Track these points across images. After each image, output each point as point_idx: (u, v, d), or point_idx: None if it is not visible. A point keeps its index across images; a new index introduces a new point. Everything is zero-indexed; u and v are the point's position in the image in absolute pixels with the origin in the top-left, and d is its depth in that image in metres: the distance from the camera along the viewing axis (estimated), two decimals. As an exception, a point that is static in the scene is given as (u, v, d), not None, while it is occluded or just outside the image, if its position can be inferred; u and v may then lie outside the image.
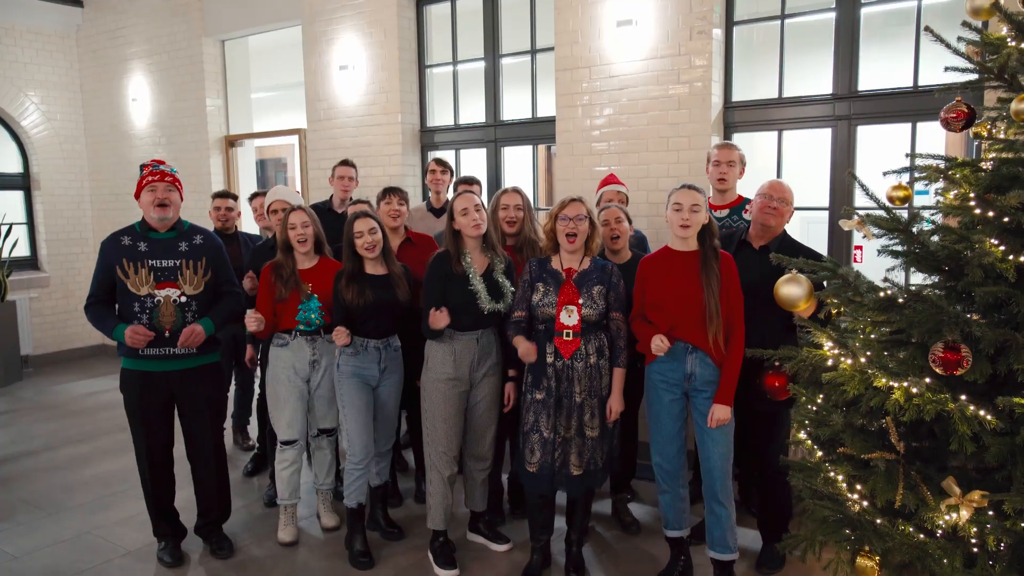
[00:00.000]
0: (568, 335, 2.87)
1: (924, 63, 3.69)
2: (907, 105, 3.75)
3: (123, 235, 3.11)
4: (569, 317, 2.86)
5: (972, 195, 2.17)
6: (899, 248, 2.30)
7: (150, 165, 3.13)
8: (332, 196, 4.52)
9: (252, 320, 3.17)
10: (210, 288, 3.17)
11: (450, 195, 4.59)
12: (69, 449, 4.83)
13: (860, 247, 4.01)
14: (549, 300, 2.90)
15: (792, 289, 2.44)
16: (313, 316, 3.26)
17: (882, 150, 4.07)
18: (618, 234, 3.28)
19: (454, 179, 4.62)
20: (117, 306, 3.11)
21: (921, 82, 3.72)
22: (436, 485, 3.12)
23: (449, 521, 3.20)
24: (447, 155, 5.54)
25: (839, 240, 3.97)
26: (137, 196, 3.11)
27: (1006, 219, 2.09)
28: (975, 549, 1.97)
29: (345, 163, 4.47)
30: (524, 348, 2.88)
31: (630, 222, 3.39)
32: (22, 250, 7.28)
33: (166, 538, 3.31)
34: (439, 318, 2.95)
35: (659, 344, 2.75)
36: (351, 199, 4.48)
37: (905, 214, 2.32)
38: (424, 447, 3.15)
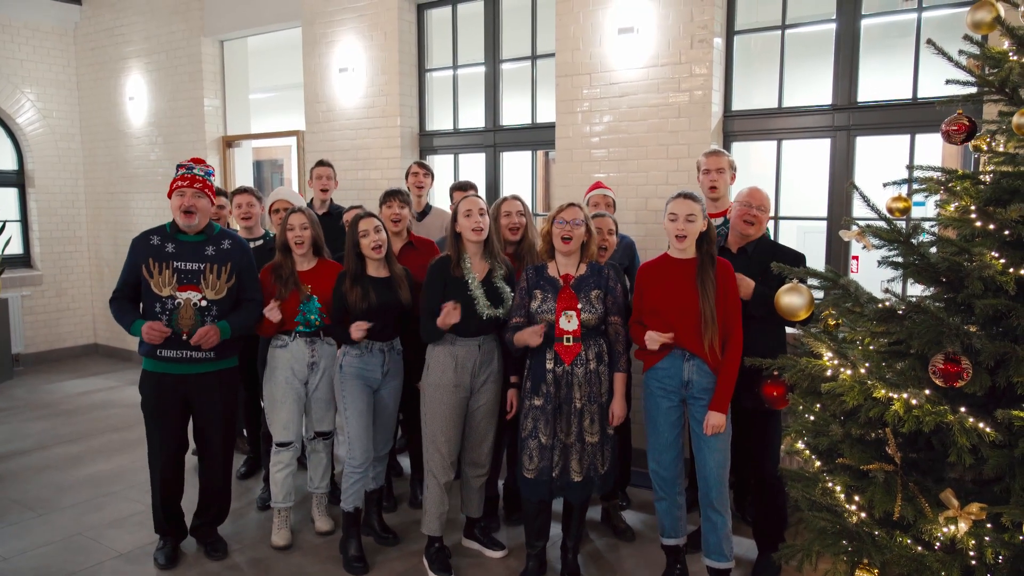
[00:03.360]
0: (568, 340, 2.87)
1: (923, 75, 3.72)
2: (906, 117, 3.77)
3: (153, 234, 3.10)
4: (568, 322, 2.86)
5: (973, 208, 2.18)
6: (899, 259, 2.31)
7: (185, 166, 3.10)
8: (312, 198, 4.50)
9: (274, 312, 3.20)
10: (232, 294, 3.15)
11: (432, 200, 4.59)
12: (60, 449, 4.79)
13: (856, 257, 4.03)
14: (548, 306, 2.90)
15: (793, 299, 2.45)
16: (313, 317, 3.25)
17: (880, 161, 4.09)
18: (606, 246, 3.29)
19: (450, 185, 4.61)
20: (141, 305, 3.11)
21: (920, 94, 3.75)
22: (432, 491, 3.11)
23: (445, 527, 3.19)
24: (446, 159, 5.54)
25: (836, 250, 3.99)
26: (169, 195, 3.10)
27: (1007, 232, 2.10)
28: (973, 562, 1.97)
29: (321, 163, 4.44)
30: (530, 330, 2.86)
31: (616, 230, 3.42)
32: (15, 248, 7.23)
33: (167, 537, 3.29)
34: (452, 314, 2.93)
35: (654, 337, 2.75)
36: (332, 202, 4.46)
37: (904, 225, 2.33)
38: (424, 452, 3.14)
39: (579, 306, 2.87)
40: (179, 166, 3.12)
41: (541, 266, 3.00)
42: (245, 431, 4.48)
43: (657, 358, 2.87)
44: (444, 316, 2.93)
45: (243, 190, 4.14)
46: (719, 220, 3.62)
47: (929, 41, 2.31)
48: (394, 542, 3.44)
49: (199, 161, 3.14)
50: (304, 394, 3.38)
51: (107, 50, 7.13)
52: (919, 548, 2.07)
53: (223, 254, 3.13)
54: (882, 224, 2.32)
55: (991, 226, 2.13)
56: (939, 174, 2.36)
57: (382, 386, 3.25)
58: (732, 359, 2.79)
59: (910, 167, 2.45)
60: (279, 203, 3.83)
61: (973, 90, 2.34)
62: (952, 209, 2.30)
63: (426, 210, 4.48)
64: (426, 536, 3.18)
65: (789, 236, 4.69)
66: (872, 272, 2.81)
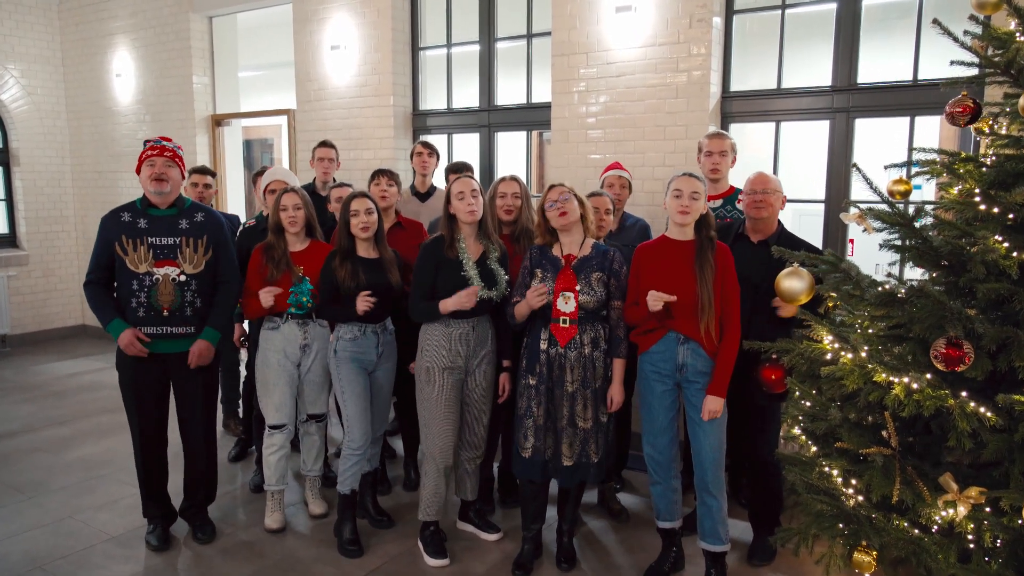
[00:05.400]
0: (564, 322, 2.84)
1: (924, 57, 3.68)
2: (906, 99, 3.74)
3: (123, 211, 3.05)
4: (566, 304, 2.83)
5: (977, 191, 2.16)
6: (899, 243, 2.29)
7: (152, 140, 3.08)
8: (315, 179, 4.45)
9: (267, 297, 3.17)
10: (210, 267, 3.12)
11: (434, 180, 4.54)
12: (50, 431, 4.74)
13: (853, 240, 4.02)
14: (547, 287, 2.86)
15: (794, 283, 2.43)
16: (305, 299, 3.21)
17: (878, 143, 4.07)
18: (602, 225, 3.26)
19: (445, 166, 4.55)
20: (116, 284, 3.06)
21: (920, 76, 3.71)
22: (431, 476, 3.08)
23: (442, 512, 3.17)
24: (439, 139, 5.47)
25: (834, 232, 3.97)
26: (138, 171, 3.06)
27: (1010, 216, 2.08)
28: (971, 545, 1.98)
29: (324, 144, 4.40)
30: (533, 290, 2.81)
31: (617, 215, 3.39)
32: (0, 227, 7.12)
33: (156, 520, 3.27)
34: (471, 299, 2.88)
35: (657, 296, 2.66)
36: (333, 181, 4.42)
37: (905, 208, 2.31)
38: (422, 437, 3.11)
39: (577, 287, 2.84)
40: (146, 141, 3.08)
41: (546, 246, 2.97)
42: (240, 411, 4.44)
43: (652, 341, 2.85)
44: (465, 299, 2.87)
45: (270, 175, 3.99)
46: (718, 202, 3.61)
47: (935, 21, 2.28)
48: (388, 525, 3.43)
49: (167, 139, 3.11)
50: (297, 376, 3.35)
51: (92, 25, 6.98)
52: (916, 531, 2.07)
53: (197, 227, 3.09)
54: (883, 207, 2.29)
55: (995, 209, 2.11)
56: (941, 157, 2.34)
57: (377, 368, 3.23)
58: (730, 344, 2.76)
59: (911, 149, 2.43)
60: (276, 183, 3.77)
61: (976, 71, 2.31)
62: (955, 192, 2.28)
63: (430, 191, 4.42)
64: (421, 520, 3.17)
65: (785, 219, 4.67)
66: (868, 255, 2.79)
